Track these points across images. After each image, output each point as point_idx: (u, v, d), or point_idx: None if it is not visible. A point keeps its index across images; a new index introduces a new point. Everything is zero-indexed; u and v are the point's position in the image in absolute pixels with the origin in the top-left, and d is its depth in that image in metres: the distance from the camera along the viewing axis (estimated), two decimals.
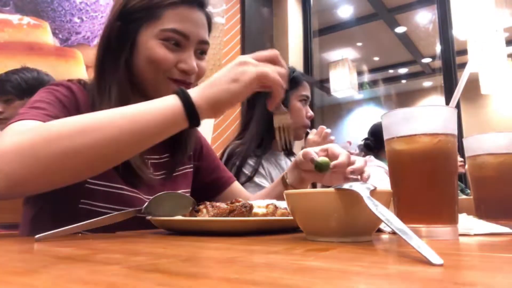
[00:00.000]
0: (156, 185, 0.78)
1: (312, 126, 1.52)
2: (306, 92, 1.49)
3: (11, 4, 1.87)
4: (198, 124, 0.58)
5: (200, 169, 0.93)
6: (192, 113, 0.56)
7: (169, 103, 0.57)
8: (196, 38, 0.75)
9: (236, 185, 0.99)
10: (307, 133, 1.48)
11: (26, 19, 1.91)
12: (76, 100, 0.71)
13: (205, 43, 0.78)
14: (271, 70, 0.60)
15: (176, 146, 0.85)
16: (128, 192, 0.73)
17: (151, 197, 0.60)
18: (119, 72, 0.74)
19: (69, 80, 0.76)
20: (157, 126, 0.56)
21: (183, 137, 0.85)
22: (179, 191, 0.83)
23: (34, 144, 0.50)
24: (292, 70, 1.48)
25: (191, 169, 0.91)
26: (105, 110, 0.57)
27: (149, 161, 0.80)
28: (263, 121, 1.37)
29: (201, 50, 0.78)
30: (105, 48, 0.75)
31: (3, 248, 0.42)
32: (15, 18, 1.87)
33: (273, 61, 0.62)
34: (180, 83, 0.75)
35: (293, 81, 1.45)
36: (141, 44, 0.74)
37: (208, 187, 0.94)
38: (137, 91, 0.77)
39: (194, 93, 0.58)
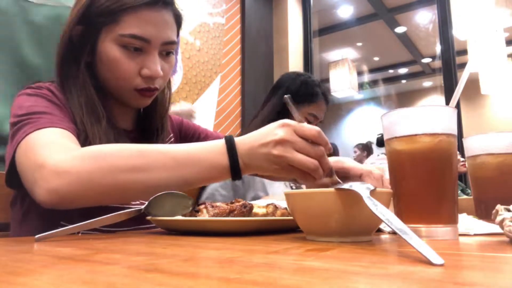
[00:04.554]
0: None
1: None
2: (317, 112, 1.34)
3: None
4: (239, 179, 0.61)
5: None
6: (236, 174, 0.60)
7: (219, 161, 0.59)
8: (158, 41, 0.71)
9: None
10: None
11: None
12: (59, 100, 0.70)
13: (170, 43, 0.74)
14: (307, 167, 0.57)
15: (149, 137, 0.83)
16: None
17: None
18: (80, 76, 0.72)
19: (40, 82, 0.74)
20: (202, 178, 0.61)
21: (155, 134, 0.83)
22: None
23: (92, 173, 0.55)
24: (316, 84, 1.35)
25: None
26: (157, 148, 0.60)
27: None
28: (268, 121, 1.35)
29: (166, 51, 0.74)
30: (66, 50, 0.73)
31: (3, 248, 0.42)
32: None
33: (315, 141, 0.58)
34: (145, 91, 0.73)
35: (309, 95, 1.32)
36: (100, 50, 0.71)
37: None
38: (104, 94, 0.75)
39: (241, 158, 0.59)
